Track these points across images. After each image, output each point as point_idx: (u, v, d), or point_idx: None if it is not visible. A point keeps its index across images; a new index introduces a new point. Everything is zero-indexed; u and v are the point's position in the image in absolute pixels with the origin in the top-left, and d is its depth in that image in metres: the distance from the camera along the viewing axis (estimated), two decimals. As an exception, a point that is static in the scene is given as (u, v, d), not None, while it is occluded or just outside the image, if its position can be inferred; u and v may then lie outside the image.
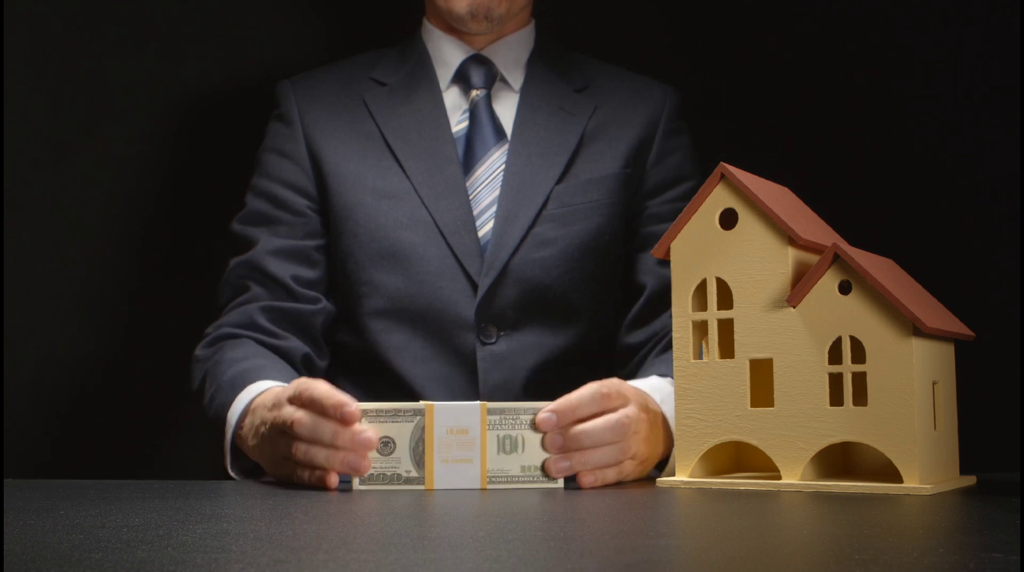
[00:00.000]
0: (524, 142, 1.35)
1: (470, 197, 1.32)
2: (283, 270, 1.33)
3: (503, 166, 1.34)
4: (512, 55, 1.42)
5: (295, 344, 1.31)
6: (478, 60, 1.40)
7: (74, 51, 1.51)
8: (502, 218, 1.32)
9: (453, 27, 1.40)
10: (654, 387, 1.14)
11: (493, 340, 1.31)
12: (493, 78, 1.40)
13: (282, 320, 1.31)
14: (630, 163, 1.38)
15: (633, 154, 1.38)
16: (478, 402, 0.98)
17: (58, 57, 1.50)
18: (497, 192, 1.33)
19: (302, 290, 1.33)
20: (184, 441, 1.57)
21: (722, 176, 0.98)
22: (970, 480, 1.01)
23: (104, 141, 1.52)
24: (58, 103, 1.50)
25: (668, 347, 1.29)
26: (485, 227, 1.32)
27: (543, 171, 1.34)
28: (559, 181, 1.34)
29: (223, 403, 1.18)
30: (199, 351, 1.31)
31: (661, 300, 1.33)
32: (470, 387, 1.30)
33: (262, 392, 1.13)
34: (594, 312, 1.36)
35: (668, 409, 1.11)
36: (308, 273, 1.35)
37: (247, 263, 1.34)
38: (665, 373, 1.20)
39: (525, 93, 1.39)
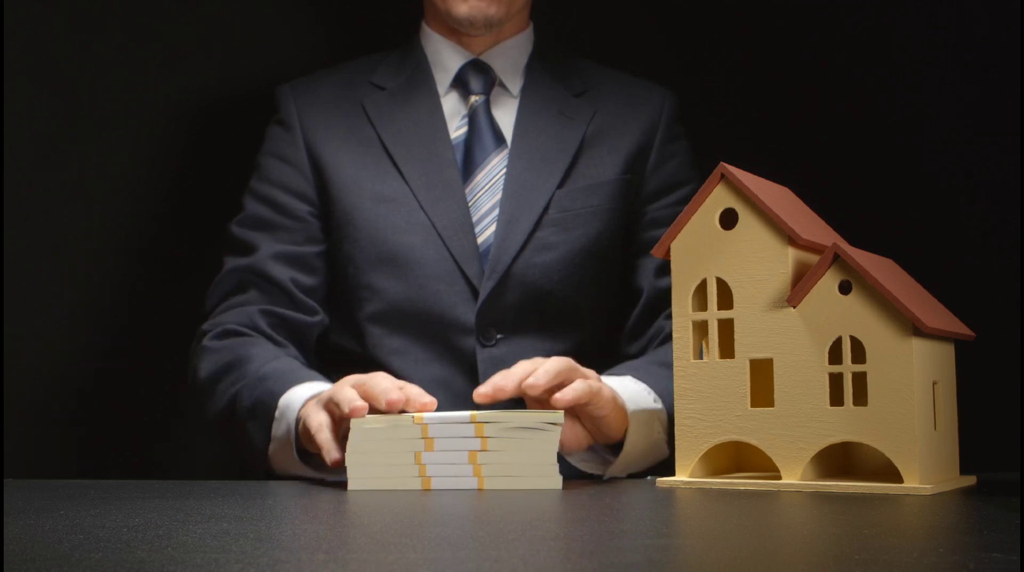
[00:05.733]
0: (524, 147, 1.35)
1: (470, 202, 1.33)
2: (284, 274, 1.33)
3: (503, 171, 1.34)
4: (511, 60, 1.42)
5: (292, 353, 1.31)
6: (477, 66, 1.40)
7: (75, 54, 1.51)
8: (504, 222, 1.32)
9: (452, 31, 1.40)
10: (623, 386, 1.17)
11: (492, 342, 1.31)
12: (492, 83, 1.40)
13: (281, 327, 1.32)
14: (629, 169, 1.38)
15: (632, 159, 1.38)
16: (468, 412, 0.98)
17: (58, 60, 1.50)
18: (498, 197, 1.33)
19: (302, 297, 1.33)
20: (184, 441, 1.57)
21: (722, 176, 0.98)
22: (970, 480, 1.01)
23: (104, 144, 1.52)
24: (58, 106, 1.50)
25: (664, 341, 1.32)
26: (486, 232, 1.32)
27: (544, 176, 1.34)
28: (560, 186, 1.34)
29: (272, 390, 1.18)
30: (209, 342, 1.30)
31: (658, 306, 1.34)
32: (470, 389, 1.30)
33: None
34: (594, 316, 1.37)
35: (627, 397, 1.14)
36: (307, 280, 1.35)
37: (248, 267, 1.34)
38: (663, 361, 1.21)
39: (524, 98, 1.39)
